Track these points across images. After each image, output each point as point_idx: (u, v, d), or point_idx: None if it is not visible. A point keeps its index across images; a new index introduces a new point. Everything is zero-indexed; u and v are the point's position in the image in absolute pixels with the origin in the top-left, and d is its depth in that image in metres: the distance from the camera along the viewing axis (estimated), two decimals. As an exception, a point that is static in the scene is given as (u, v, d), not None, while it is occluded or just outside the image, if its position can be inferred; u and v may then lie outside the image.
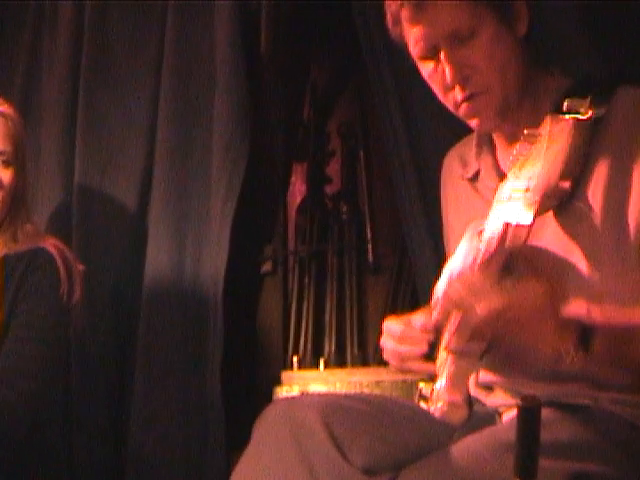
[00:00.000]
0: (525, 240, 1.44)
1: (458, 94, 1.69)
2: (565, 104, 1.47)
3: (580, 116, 1.48)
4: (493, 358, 1.69)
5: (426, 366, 1.75)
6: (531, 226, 1.43)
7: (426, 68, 1.73)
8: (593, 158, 1.59)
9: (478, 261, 1.44)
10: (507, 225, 1.42)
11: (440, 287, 1.54)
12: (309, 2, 2.91)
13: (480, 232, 1.53)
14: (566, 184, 1.50)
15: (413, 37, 1.70)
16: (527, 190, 1.43)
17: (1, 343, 2.22)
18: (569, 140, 1.44)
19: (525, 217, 1.41)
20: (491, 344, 1.66)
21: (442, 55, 1.67)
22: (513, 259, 1.43)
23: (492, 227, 1.47)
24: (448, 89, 1.70)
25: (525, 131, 1.49)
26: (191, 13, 2.80)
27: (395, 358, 1.75)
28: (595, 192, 1.58)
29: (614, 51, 2.19)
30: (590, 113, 1.47)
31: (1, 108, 2.33)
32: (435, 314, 1.55)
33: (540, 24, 2.19)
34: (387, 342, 1.76)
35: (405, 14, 1.68)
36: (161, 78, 2.82)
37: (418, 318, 1.77)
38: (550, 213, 1.60)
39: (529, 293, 1.41)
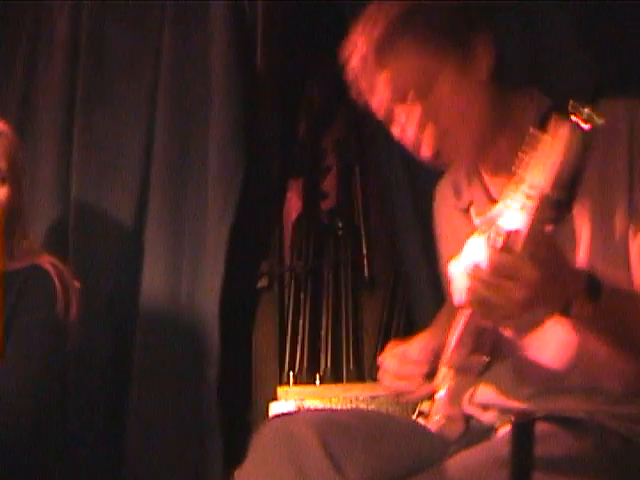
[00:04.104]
0: (522, 246, 1.39)
1: (426, 151, 1.69)
2: (570, 105, 1.45)
3: (581, 123, 1.45)
4: (491, 374, 1.70)
5: (425, 391, 1.77)
6: (527, 236, 1.38)
7: (397, 120, 1.73)
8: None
9: (498, 245, 1.40)
10: (507, 233, 1.40)
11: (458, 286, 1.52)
12: (305, 19, 2.93)
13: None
14: (562, 195, 1.51)
15: (379, 89, 1.70)
16: (529, 197, 1.41)
17: (-2, 361, 2.22)
18: (569, 145, 1.41)
19: (521, 223, 1.39)
20: (490, 360, 1.68)
21: (411, 99, 1.67)
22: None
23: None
24: (421, 131, 1.69)
25: (531, 131, 1.46)
26: (187, 32, 2.82)
27: (394, 391, 1.80)
28: (583, 202, 1.60)
29: (596, 65, 2.21)
30: (589, 125, 1.45)
31: (-3, 125, 2.33)
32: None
33: (526, 41, 2.23)
34: (385, 377, 1.81)
35: (369, 67, 1.69)
36: (157, 96, 2.83)
37: (412, 352, 1.79)
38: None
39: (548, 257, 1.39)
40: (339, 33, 1.76)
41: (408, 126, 1.69)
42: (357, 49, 1.69)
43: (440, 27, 1.67)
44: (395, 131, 1.75)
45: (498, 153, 1.70)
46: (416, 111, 1.67)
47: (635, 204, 1.58)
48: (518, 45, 2.34)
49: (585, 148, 1.41)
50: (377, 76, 1.69)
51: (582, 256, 1.59)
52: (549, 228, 1.54)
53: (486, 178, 1.80)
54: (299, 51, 3.02)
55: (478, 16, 1.73)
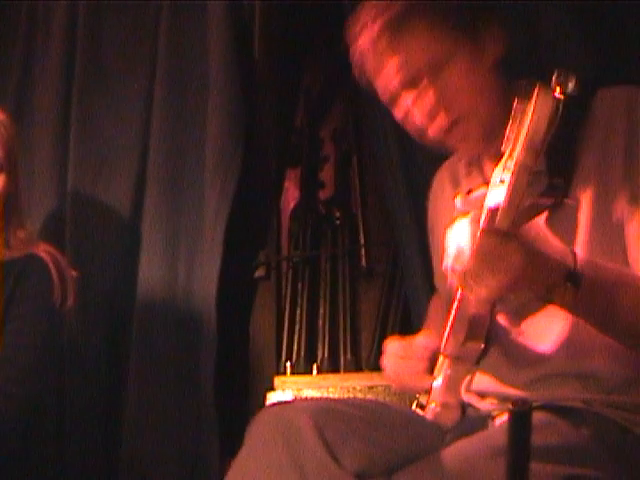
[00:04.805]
0: (501, 218, 1.39)
1: (443, 120, 1.68)
2: (554, 77, 1.44)
3: (551, 87, 1.44)
4: (488, 362, 1.70)
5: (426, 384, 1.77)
6: (505, 207, 1.37)
7: (404, 102, 1.72)
8: (579, 157, 1.62)
9: (481, 224, 1.39)
10: (489, 210, 1.39)
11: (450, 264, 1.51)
12: (302, 9, 2.92)
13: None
14: (559, 181, 1.51)
15: (391, 70, 1.69)
16: (507, 170, 1.40)
17: (-5, 350, 2.22)
18: (538, 109, 1.39)
19: (502, 197, 1.38)
20: (486, 348, 1.67)
21: (425, 81, 1.67)
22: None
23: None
24: (433, 116, 1.69)
25: (514, 104, 1.45)
26: (184, 22, 2.81)
27: (396, 384, 1.83)
28: (583, 189, 1.61)
29: (594, 56, 2.21)
30: (559, 88, 1.44)
31: (-7, 113, 2.33)
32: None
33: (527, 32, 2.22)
34: (387, 372, 1.81)
35: (381, 46, 1.68)
36: (154, 86, 2.82)
37: (415, 348, 1.80)
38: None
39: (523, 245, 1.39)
40: (337, 22, 1.76)
41: (416, 108, 1.68)
42: (367, 29, 1.67)
43: (452, 11, 1.68)
44: (398, 114, 1.74)
45: (500, 141, 1.70)
46: (426, 93, 1.67)
47: (631, 189, 1.58)
48: (518, 42, 2.33)
49: (556, 112, 1.39)
50: (388, 58, 1.68)
51: (581, 241, 1.59)
52: (543, 214, 1.54)
53: (487, 167, 1.80)
54: (297, 41, 3.01)
55: (487, 5, 1.74)
